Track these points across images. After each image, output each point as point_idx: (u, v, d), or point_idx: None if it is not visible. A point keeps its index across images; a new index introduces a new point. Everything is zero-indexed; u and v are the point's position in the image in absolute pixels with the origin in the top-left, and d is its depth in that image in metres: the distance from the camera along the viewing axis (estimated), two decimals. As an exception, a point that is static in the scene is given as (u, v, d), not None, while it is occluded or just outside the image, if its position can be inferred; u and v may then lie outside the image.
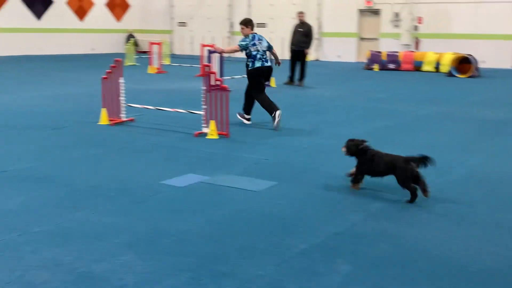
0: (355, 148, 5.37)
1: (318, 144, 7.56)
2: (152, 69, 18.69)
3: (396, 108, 11.03)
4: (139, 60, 22.45)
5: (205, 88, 8.07)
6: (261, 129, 8.68)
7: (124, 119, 8.94)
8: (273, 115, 8.67)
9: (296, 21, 16.01)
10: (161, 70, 18.67)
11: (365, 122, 9.41)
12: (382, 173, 5.28)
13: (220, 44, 24.98)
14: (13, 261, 3.60)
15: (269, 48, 9.17)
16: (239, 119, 9.05)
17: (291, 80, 15.43)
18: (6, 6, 25.03)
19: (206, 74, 8.12)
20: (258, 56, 8.87)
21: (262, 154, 6.85)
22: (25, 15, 25.85)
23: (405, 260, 3.76)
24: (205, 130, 8.02)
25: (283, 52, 22.66)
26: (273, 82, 14.93)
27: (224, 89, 7.92)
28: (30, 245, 3.86)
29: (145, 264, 3.58)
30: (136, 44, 26.83)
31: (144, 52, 27.33)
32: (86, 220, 4.43)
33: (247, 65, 8.99)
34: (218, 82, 8.05)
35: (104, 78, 8.95)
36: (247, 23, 9.04)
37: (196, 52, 26.56)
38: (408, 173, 5.00)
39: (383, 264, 3.69)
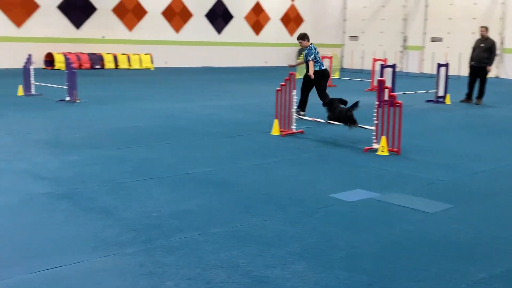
0: (329, 102, 9.07)
1: (498, 168, 7.04)
2: (322, 83, 18.91)
3: None
4: (309, 73, 22.87)
5: (377, 102, 7.97)
6: (434, 147, 8.32)
7: (295, 130, 9.16)
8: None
9: (477, 36, 15.13)
10: (331, 84, 18.82)
11: (554, 147, 8.56)
12: (337, 119, 8.80)
13: (393, 59, 24.51)
14: (193, 259, 3.86)
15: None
16: (296, 115, 9.47)
17: (468, 98, 14.59)
18: (191, 21, 27.12)
19: (380, 89, 8.00)
20: (319, 62, 10.72)
21: (435, 175, 6.56)
22: (207, 30, 27.78)
23: None
24: (375, 146, 7.90)
25: (460, 68, 21.55)
26: (448, 99, 14.26)
27: (397, 104, 7.75)
28: (209, 245, 4.11)
29: (317, 276, 3.62)
30: (307, 57, 27.36)
31: (315, 66, 27.77)
32: (260, 225, 4.61)
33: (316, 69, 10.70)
34: (391, 98, 7.89)
35: (278, 90, 9.27)
36: (304, 36, 10.84)
37: (367, 66, 26.37)
38: (350, 118, 8.59)
39: None
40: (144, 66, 24.90)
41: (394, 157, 7.51)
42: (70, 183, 5.75)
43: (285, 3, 30.64)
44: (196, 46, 27.23)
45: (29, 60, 13.62)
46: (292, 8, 30.94)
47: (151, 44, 25.72)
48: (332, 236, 4.39)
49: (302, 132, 9.22)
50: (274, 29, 30.29)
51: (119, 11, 24.82)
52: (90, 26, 24.07)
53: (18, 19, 22.10)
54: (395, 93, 12.40)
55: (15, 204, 5.02)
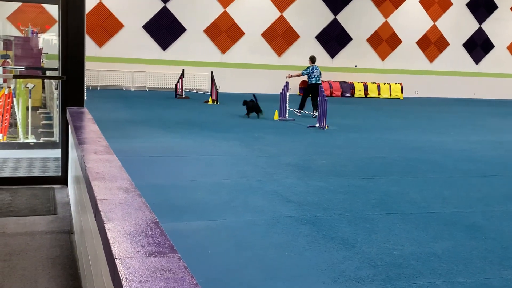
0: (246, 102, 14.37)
1: None
2: None
3: None
4: None
5: None
6: None
7: None
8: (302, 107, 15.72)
9: None
10: None
11: None
12: (252, 110, 14.33)
13: None
14: (435, 307, 3.59)
15: (319, 74, 15.59)
16: (296, 112, 15.03)
17: None
18: (446, 50, 26.12)
19: None
20: (316, 78, 15.42)
21: None
22: (464, 60, 26.45)
23: None
24: None
25: None
26: None
27: None
28: (454, 295, 3.78)
29: None
30: None
31: None
32: (510, 282, 4.10)
33: (307, 82, 15.75)
34: None
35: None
36: (310, 59, 15.93)
37: None
38: (258, 107, 14.24)
39: None
40: (394, 95, 24.70)
41: None
42: (314, 209, 5.89)
43: (558, 31, 27.58)
44: (451, 77, 26.09)
45: (286, 87, 14.57)
46: None
47: (402, 73, 25.44)
48: None
49: None
50: (542, 60, 27.44)
51: (374, 40, 25.14)
52: (344, 56, 24.84)
53: (280, 49, 23.91)
54: None
55: (263, 223, 5.32)
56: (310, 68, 15.61)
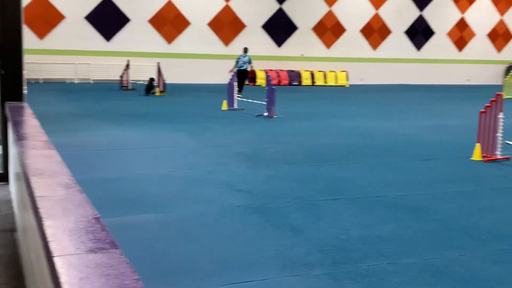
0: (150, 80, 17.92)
1: None
2: (533, 104, 17.17)
3: None
4: (519, 93, 20.97)
5: None
6: None
7: (499, 156, 8.39)
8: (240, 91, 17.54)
9: None
10: None
11: None
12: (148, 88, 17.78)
13: None
14: (381, 288, 3.69)
15: (249, 61, 18.10)
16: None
17: None
18: (389, 38, 26.69)
19: None
20: (240, 64, 17.87)
21: None
22: (406, 46, 27.09)
23: None
24: None
25: None
26: None
27: None
28: (398, 277, 3.89)
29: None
30: (516, 76, 25.13)
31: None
32: (456, 261, 4.25)
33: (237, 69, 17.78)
34: None
35: (482, 112, 8.58)
36: (243, 49, 18.41)
37: None
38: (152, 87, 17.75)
39: None
40: (340, 83, 25.09)
41: None
42: (263, 197, 5.93)
43: (493, 18, 28.59)
44: (394, 63, 26.70)
45: (233, 77, 14.55)
46: (501, 24, 28.72)
47: (347, 61, 25.85)
48: (542, 283, 3.87)
49: (507, 158, 8.41)
50: (479, 46, 28.42)
51: (319, 29, 25.41)
52: (291, 45, 25.02)
53: (226, 38, 23.84)
54: None
55: (213, 214, 5.32)
56: (238, 57, 18.31)
